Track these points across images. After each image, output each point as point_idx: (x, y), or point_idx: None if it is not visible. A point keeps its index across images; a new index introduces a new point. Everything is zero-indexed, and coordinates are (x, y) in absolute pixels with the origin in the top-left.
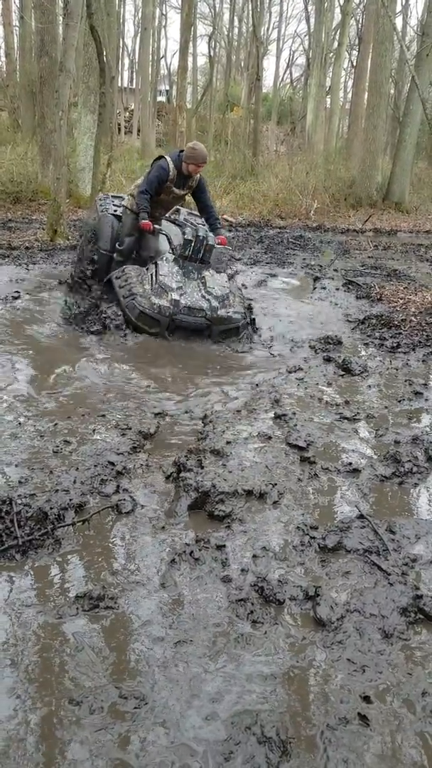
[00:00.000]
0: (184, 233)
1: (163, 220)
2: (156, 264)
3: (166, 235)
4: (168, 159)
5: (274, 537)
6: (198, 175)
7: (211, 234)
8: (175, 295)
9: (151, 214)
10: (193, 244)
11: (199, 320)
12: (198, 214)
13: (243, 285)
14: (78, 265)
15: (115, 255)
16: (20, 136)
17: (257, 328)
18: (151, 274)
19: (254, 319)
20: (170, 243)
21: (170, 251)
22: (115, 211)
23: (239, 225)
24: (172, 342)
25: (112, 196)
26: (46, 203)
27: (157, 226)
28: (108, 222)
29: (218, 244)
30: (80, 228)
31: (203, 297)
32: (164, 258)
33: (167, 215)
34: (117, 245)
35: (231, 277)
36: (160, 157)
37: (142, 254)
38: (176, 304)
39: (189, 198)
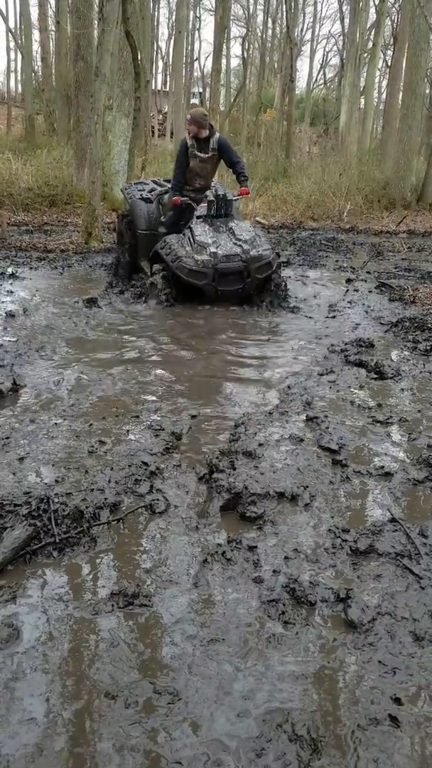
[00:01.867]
0: (206, 196)
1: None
2: (190, 228)
3: (191, 205)
4: (184, 136)
5: (306, 539)
6: (216, 137)
7: (228, 191)
8: (212, 249)
9: (191, 185)
10: (215, 203)
11: (236, 264)
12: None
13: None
14: (123, 252)
15: (161, 229)
16: (56, 139)
17: (287, 293)
18: (188, 238)
19: (284, 277)
20: (195, 212)
21: (196, 218)
22: (142, 195)
23: (271, 227)
24: (207, 340)
25: (134, 184)
26: (81, 206)
27: (183, 199)
28: (139, 206)
29: (239, 195)
30: (117, 223)
31: (235, 244)
32: (195, 222)
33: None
34: (161, 219)
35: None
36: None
37: (181, 225)
38: (215, 255)
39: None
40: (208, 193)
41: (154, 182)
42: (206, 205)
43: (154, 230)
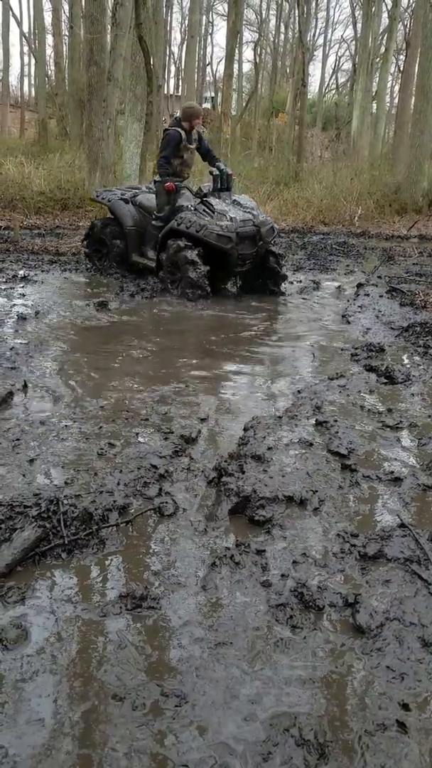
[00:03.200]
0: (211, 172)
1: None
2: (204, 202)
3: (188, 188)
4: (172, 129)
5: (315, 543)
6: (197, 129)
7: (226, 168)
8: (230, 215)
9: (179, 174)
10: (220, 177)
11: (251, 228)
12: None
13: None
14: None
15: (154, 222)
16: (68, 143)
17: (285, 275)
18: (204, 209)
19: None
20: (192, 192)
21: (194, 197)
22: (123, 195)
23: (282, 231)
24: (217, 343)
25: (104, 191)
26: (92, 210)
27: (178, 184)
28: (121, 206)
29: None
30: (94, 232)
31: (245, 212)
32: (204, 198)
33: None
34: (155, 213)
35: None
36: (166, 130)
37: (169, 215)
38: (234, 220)
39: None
40: (212, 169)
41: (119, 189)
42: (212, 180)
43: (139, 227)
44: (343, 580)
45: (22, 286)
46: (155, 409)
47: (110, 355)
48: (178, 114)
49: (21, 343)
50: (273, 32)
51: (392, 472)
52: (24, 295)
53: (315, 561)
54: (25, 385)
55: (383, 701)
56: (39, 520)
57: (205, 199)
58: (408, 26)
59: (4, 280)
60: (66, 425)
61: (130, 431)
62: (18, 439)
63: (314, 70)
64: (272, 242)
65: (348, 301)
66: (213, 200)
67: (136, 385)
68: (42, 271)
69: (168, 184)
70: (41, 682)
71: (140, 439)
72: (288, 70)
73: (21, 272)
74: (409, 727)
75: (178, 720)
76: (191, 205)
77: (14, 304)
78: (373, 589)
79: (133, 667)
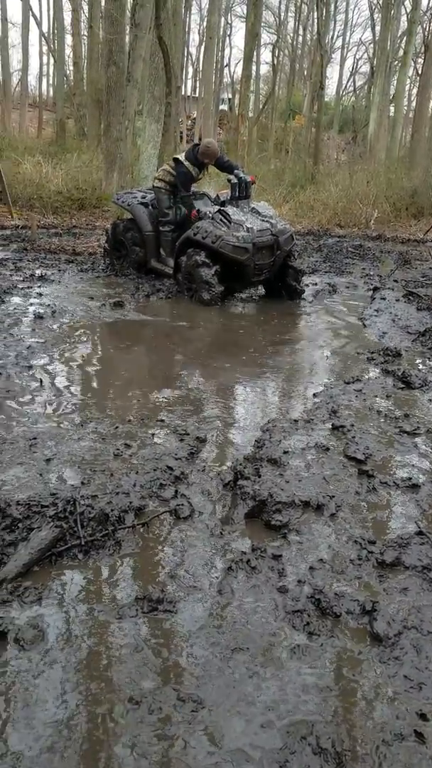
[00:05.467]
0: (229, 180)
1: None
2: (221, 211)
3: (207, 194)
4: (185, 162)
5: (331, 550)
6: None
7: (245, 174)
8: (248, 225)
9: (176, 194)
10: (238, 185)
11: (268, 238)
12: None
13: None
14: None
15: (162, 228)
16: (86, 143)
17: (302, 289)
18: (221, 219)
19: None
20: (211, 199)
21: (213, 204)
22: (143, 198)
23: (298, 233)
24: (232, 346)
25: (124, 193)
26: (109, 210)
27: (199, 210)
28: (141, 210)
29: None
30: (116, 233)
31: (263, 221)
32: (221, 207)
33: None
34: (160, 218)
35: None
36: (177, 161)
37: (178, 218)
38: (251, 230)
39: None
40: (231, 177)
41: (140, 192)
42: (229, 189)
43: (156, 231)
44: (361, 587)
45: (39, 285)
46: (171, 410)
47: (126, 356)
48: (198, 145)
49: (37, 342)
50: (291, 34)
51: (410, 479)
52: (41, 294)
53: (332, 567)
54: (41, 384)
55: (401, 711)
56: (56, 520)
57: (222, 208)
58: (427, 29)
59: (21, 279)
60: (82, 425)
61: (146, 432)
62: (34, 438)
63: (332, 73)
64: (294, 254)
65: (364, 304)
66: (230, 210)
67: (151, 386)
68: (59, 270)
69: (193, 212)
70: (58, 683)
71: (156, 440)
72: (305, 73)
73: (38, 271)
74: (427, 738)
75: (195, 725)
76: (209, 212)
77: (31, 303)
78: (390, 597)
79: (149, 670)
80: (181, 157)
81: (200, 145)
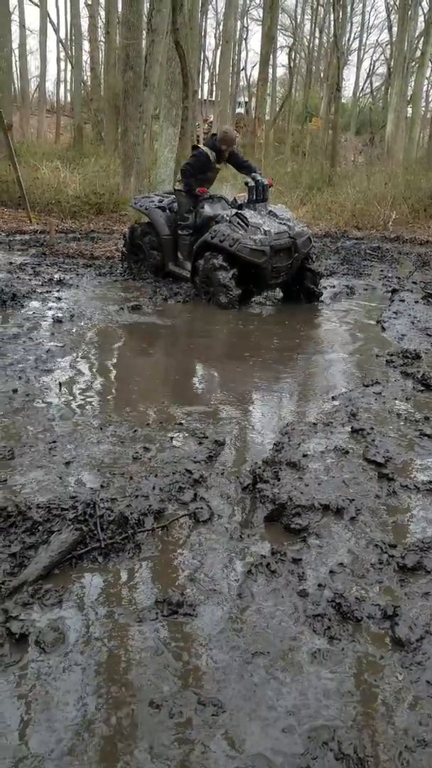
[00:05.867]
0: (246, 183)
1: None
2: (238, 214)
3: (224, 197)
4: (204, 147)
5: (351, 553)
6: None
7: (263, 177)
8: (265, 228)
9: (196, 197)
10: (255, 189)
11: (286, 240)
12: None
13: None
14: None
15: (181, 232)
16: (103, 148)
17: (320, 291)
18: (238, 222)
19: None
20: (228, 203)
21: (230, 207)
22: (161, 202)
23: (315, 235)
24: (251, 349)
25: (141, 198)
26: (127, 214)
27: (206, 190)
28: (158, 214)
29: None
30: (133, 237)
31: (280, 223)
32: (238, 210)
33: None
34: (179, 222)
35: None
36: (195, 147)
37: (197, 222)
38: (269, 233)
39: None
40: (248, 179)
41: (157, 196)
42: (246, 192)
43: (174, 234)
44: (382, 591)
45: (58, 290)
46: (189, 413)
47: (144, 359)
48: (215, 131)
49: (57, 346)
50: (308, 37)
51: (430, 482)
52: (59, 299)
53: (352, 571)
54: (61, 387)
55: (423, 717)
56: (76, 523)
57: (239, 211)
58: None
59: (40, 283)
60: (101, 428)
61: (165, 435)
62: (54, 442)
63: (349, 75)
64: (311, 257)
65: (383, 307)
66: (248, 213)
67: (169, 389)
68: (77, 274)
69: (200, 188)
70: (78, 686)
71: (175, 444)
72: (322, 75)
73: (57, 275)
74: None
75: (215, 729)
76: (227, 215)
77: (50, 307)
78: (412, 602)
79: (169, 673)
80: (202, 145)
81: (218, 132)
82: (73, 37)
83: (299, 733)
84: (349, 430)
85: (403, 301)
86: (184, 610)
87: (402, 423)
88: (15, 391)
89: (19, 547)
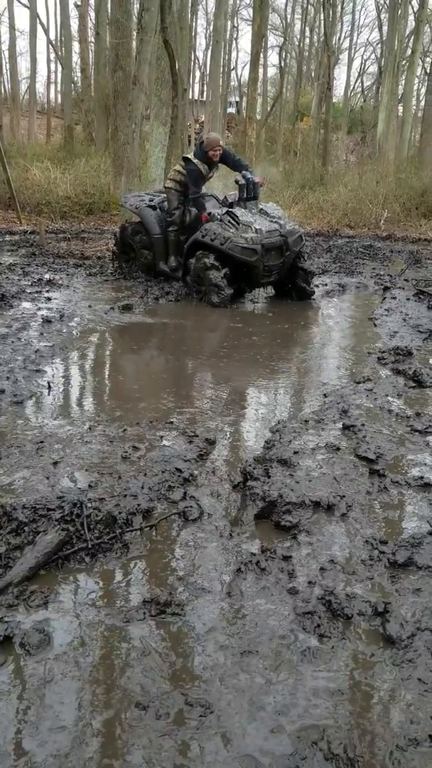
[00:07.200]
0: (237, 181)
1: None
2: (229, 213)
3: (215, 196)
4: (194, 160)
5: (342, 550)
6: (220, 152)
7: (254, 176)
8: (256, 226)
9: (187, 195)
10: (246, 187)
11: (277, 239)
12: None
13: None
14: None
15: (168, 229)
16: (94, 149)
17: (312, 290)
18: (229, 221)
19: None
20: (219, 201)
21: (221, 206)
22: (151, 201)
23: (307, 234)
24: (241, 347)
25: (131, 196)
26: (118, 214)
27: (210, 213)
28: (149, 213)
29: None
30: (124, 236)
31: (271, 222)
32: (229, 208)
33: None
34: (167, 218)
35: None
36: (187, 160)
37: (185, 220)
38: (260, 232)
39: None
40: (238, 177)
41: (148, 194)
42: (237, 190)
43: (165, 233)
44: (372, 588)
45: (48, 290)
46: (179, 411)
47: (134, 358)
48: (203, 139)
49: (46, 346)
50: (298, 36)
51: (422, 478)
52: (49, 299)
53: (343, 568)
54: (50, 388)
55: (415, 715)
56: (62, 524)
57: (230, 210)
58: None
59: (30, 283)
60: (90, 428)
61: (154, 434)
62: (42, 442)
63: (339, 74)
64: (303, 255)
65: (375, 304)
66: (238, 211)
67: (160, 388)
68: (67, 274)
69: (203, 216)
70: (64, 689)
71: (164, 443)
72: (313, 74)
73: (47, 275)
74: None
75: (203, 730)
76: (218, 213)
77: (39, 308)
78: (403, 598)
79: (156, 674)
80: (191, 155)
81: (204, 140)
82: (63, 38)
83: (288, 732)
84: (341, 426)
85: (394, 298)
86: (172, 610)
87: (393, 419)
88: (2, 391)
89: (4, 548)
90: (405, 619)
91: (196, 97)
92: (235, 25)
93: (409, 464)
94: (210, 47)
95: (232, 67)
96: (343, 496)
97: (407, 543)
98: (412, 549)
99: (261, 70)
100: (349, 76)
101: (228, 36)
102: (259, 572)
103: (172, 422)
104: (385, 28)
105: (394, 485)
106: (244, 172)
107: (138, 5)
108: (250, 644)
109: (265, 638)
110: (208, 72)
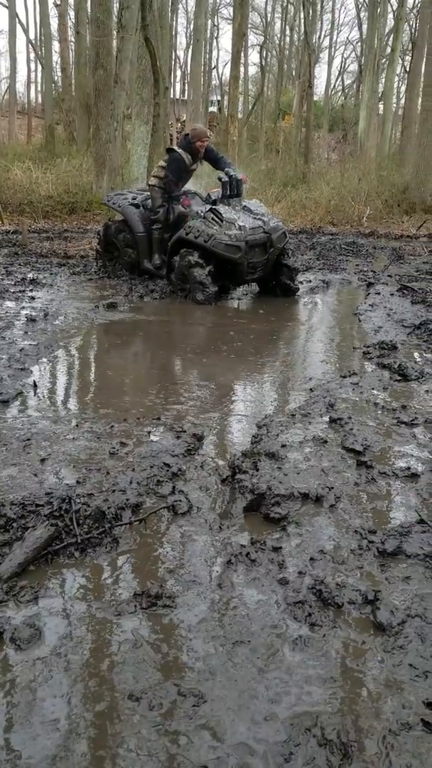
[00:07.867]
0: (220, 178)
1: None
2: (212, 210)
3: (198, 194)
4: (178, 150)
5: (331, 540)
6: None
7: (238, 172)
8: (240, 223)
9: (170, 192)
10: (229, 184)
11: (261, 235)
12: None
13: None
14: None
15: (152, 227)
16: (75, 148)
17: (297, 287)
18: (212, 218)
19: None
20: (202, 198)
21: (204, 203)
22: (134, 199)
23: (291, 232)
24: (228, 342)
25: (115, 194)
26: (100, 213)
27: (188, 193)
28: (132, 211)
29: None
30: (107, 234)
31: (255, 218)
32: (212, 206)
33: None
34: (151, 216)
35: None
36: (171, 150)
37: (170, 218)
38: (243, 229)
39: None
40: (221, 175)
41: (131, 193)
42: (220, 187)
43: (149, 231)
44: (362, 577)
45: (32, 289)
46: (167, 408)
47: (120, 356)
48: (188, 132)
49: (30, 345)
50: (278, 35)
51: (409, 468)
52: (33, 298)
53: (333, 558)
54: (35, 386)
55: (406, 700)
56: (51, 519)
57: (213, 207)
58: (414, 26)
59: (13, 283)
60: (77, 424)
61: (142, 430)
62: (29, 440)
63: (320, 72)
64: (288, 252)
65: (359, 300)
66: (222, 208)
67: (146, 385)
68: (51, 273)
69: (184, 200)
70: (55, 683)
71: (152, 438)
72: (294, 73)
73: (30, 275)
74: None
75: (196, 720)
76: (201, 211)
77: (23, 307)
78: (393, 586)
79: (149, 666)
80: (174, 146)
81: (190, 131)
82: (43, 38)
83: (281, 720)
84: (328, 420)
85: (378, 294)
86: (163, 602)
87: (380, 412)
88: None
89: None
90: (395, 606)
91: (177, 96)
92: (216, 23)
93: (396, 455)
94: (191, 46)
95: (213, 66)
96: (332, 488)
97: (396, 532)
98: (400, 538)
99: (242, 69)
100: (329, 74)
101: (209, 35)
102: (250, 563)
103: (159, 418)
104: (364, 27)
105: (382, 476)
106: (227, 169)
107: (118, 3)
108: (242, 634)
109: (257, 628)
110: (189, 71)
